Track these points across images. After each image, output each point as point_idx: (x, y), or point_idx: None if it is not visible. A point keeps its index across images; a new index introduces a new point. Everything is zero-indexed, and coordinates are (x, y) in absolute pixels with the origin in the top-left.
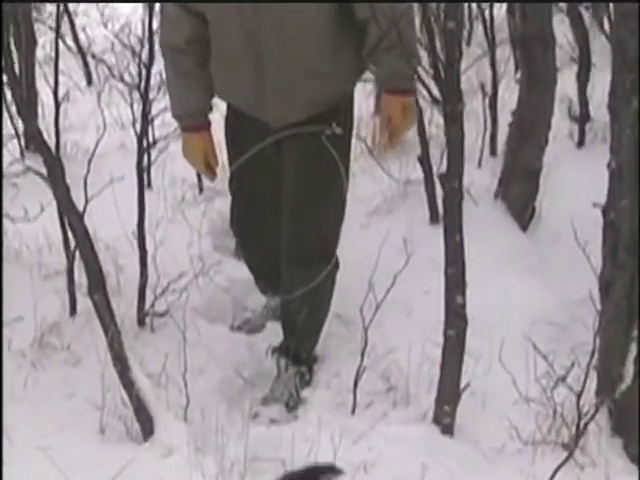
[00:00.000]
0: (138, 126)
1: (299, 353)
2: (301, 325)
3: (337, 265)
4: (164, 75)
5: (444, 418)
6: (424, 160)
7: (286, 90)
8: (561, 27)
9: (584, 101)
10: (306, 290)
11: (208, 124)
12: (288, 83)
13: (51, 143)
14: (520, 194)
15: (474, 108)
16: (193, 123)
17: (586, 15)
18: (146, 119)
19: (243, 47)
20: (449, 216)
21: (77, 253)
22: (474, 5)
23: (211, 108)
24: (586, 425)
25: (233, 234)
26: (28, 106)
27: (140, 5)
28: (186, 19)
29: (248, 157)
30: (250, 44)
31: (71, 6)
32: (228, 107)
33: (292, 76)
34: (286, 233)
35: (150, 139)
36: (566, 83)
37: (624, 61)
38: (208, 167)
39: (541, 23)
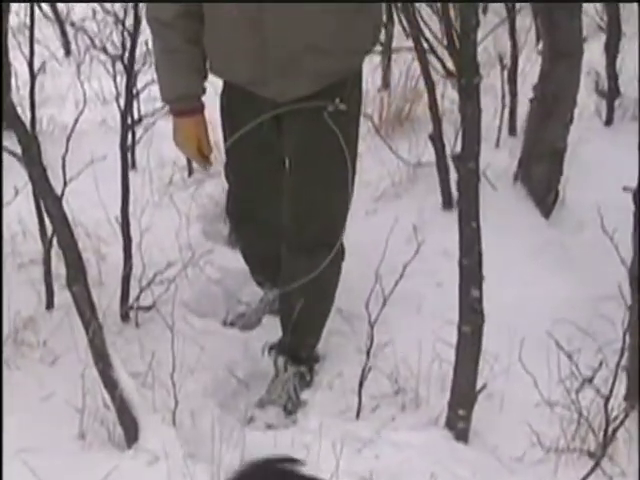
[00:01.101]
0: (122, 101)
1: (299, 351)
2: (301, 320)
3: (343, 253)
4: (150, 45)
5: (458, 423)
6: (436, 139)
7: (290, 62)
8: None
9: (613, 74)
10: (308, 280)
11: (201, 107)
12: (292, 55)
13: (26, 119)
14: (542, 177)
15: (492, 82)
16: (185, 107)
17: None
18: (130, 93)
19: (242, 18)
20: (464, 201)
21: (54, 240)
22: None
23: (204, 90)
24: (615, 431)
25: (228, 220)
26: (0, 78)
27: None
28: None
29: (244, 134)
30: (250, 14)
31: None
32: (224, 84)
33: (296, 48)
34: (287, 217)
35: (135, 115)
36: (593, 54)
37: None
38: (201, 154)
39: None
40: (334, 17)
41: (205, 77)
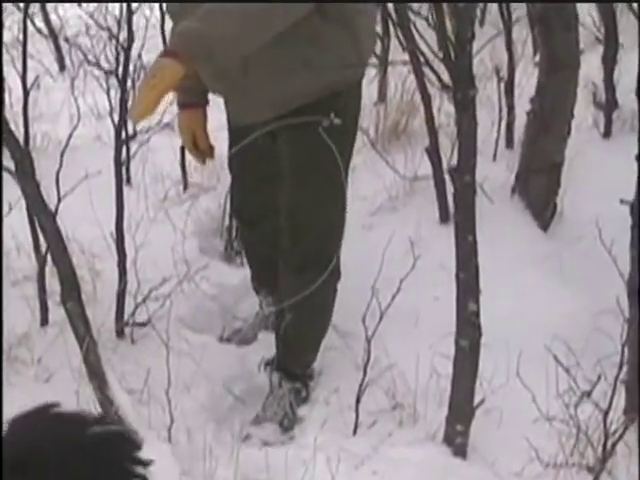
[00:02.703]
0: (116, 116)
1: (293, 368)
2: (295, 339)
3: (339, 273)
4: (144, 59)
5: (456, 438)
6: (433, 153)
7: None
8: (585, 4)
9: (611, 86)
10: (300, 299)
11: (203, 102)
12: (272, 100)
13: (19, 134)
14: (540, 190)
15: (488, 94)
16: (187, 99)
17: None
18: (124, 108)
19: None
20: (461, 215)
21: (49, 256)
22: None
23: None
24: (614, 445)
25: (232, 215)
26: None
27: None
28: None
29: (241, 146)
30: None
31: None
32: None
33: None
34: (283, 234)
35: (129, 130)
36: (591, 66)
37: None
38: (197, 149)
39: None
40: (312, 29)
41: None
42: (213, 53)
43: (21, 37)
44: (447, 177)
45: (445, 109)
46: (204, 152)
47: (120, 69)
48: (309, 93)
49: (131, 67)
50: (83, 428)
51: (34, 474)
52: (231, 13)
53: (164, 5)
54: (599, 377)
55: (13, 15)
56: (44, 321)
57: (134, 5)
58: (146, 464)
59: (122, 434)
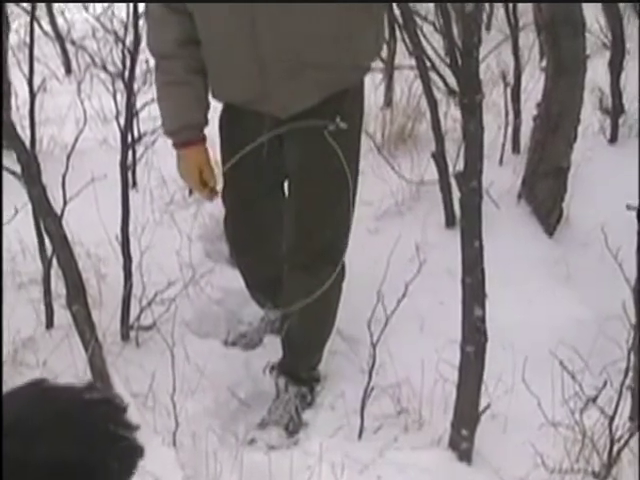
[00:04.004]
0: (122, 119)
1: (299, 372)
2: (302, 341)
3: (343, 273)
4: (151, 63)
5: (461, 443)
6: (439, 158)
7: (289, 77)
8: (592, 9)
9: (617, 92)
10: (309, 301)
11: (203, 138)
12: (290, 69)
13: (25, 138)
14: (546, 195)
15: (494, 100)
16: (188, 138)
17: None
18: (131, 112)
19: (237, 35)
20: (467, 220)
21: (54, 260)
22: None
23: (207, 121)
24: (619, 452)
25: (228, 245)
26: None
27: None
28: (172, 19)
29: (242, 157)
30: (244, 30)
31: None
32: (224, 106)
33: (294, 62)
34: (289, 236)
35: (135, 134)
36: (597, 72)
37: None
38: (205, 185)
39: (569, 5)
40: (329, 31)
41: (208, 107)
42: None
43: (28, 40)
44: (453, 182)
45: (451, 114)
46: (212, 188)
47: (126, 72)
48: (338, 83)
49: (138, 70)
50: (70, 396)
51: (22, 440)
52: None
53: None
54: (605, 383)
55: (20, 18)
56: (49, 324)
57: (140, 8)
58: (131, 427)
59: (107, 399)
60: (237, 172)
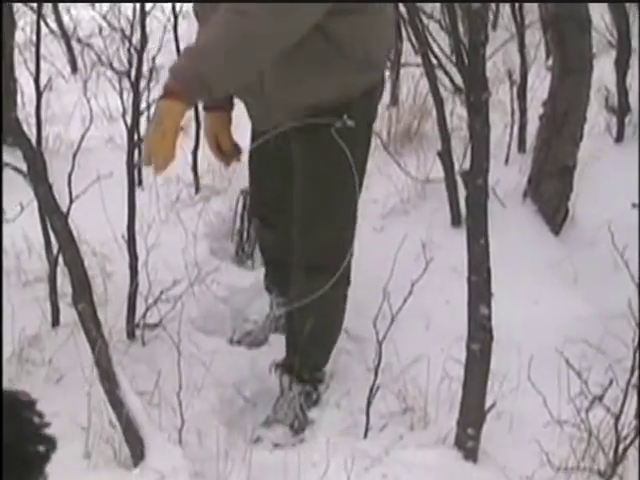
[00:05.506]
0: (128, 118)
1: (301, 372)
2: (305, 341)
3: (348, 281)
4: (157, 61)
5: (467, 442)
6: (445, 156)
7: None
8: (598, 7)
9: (623, 91)
10: (311, 301)
11: (228, 106)
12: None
13: (32, 136)
14: (552, 194)
15: (501, 98)
16: (212, 102)
17: None
18: (137, 110)
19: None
20: (473, 218)
21: (60, 258)
22: None
23: (231, 99)
24: (625, 450)
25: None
26: (6, 95)
27: None
28: None
29: (257, 144)
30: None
31: None
32: None
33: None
34: (294, 236)
35: (142, 132)
36: (603, 71)
37: None
38: (220, 150)
39: (575, 3)
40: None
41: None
42: (211, 88)
43: (34, 38)
44: (459, 180)
45: (457, 112)
46: (228, 155)
47: (133, 71)
48: (323, 100)
49: (144, 69)
50: None
51: None
52: (219, 48)
53: (177, 6)
54: (611, 381)
55: (26, 16)
56: (55, 322)
57: (147, 6)
58: (40, 415)
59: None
60: (257, 154)
